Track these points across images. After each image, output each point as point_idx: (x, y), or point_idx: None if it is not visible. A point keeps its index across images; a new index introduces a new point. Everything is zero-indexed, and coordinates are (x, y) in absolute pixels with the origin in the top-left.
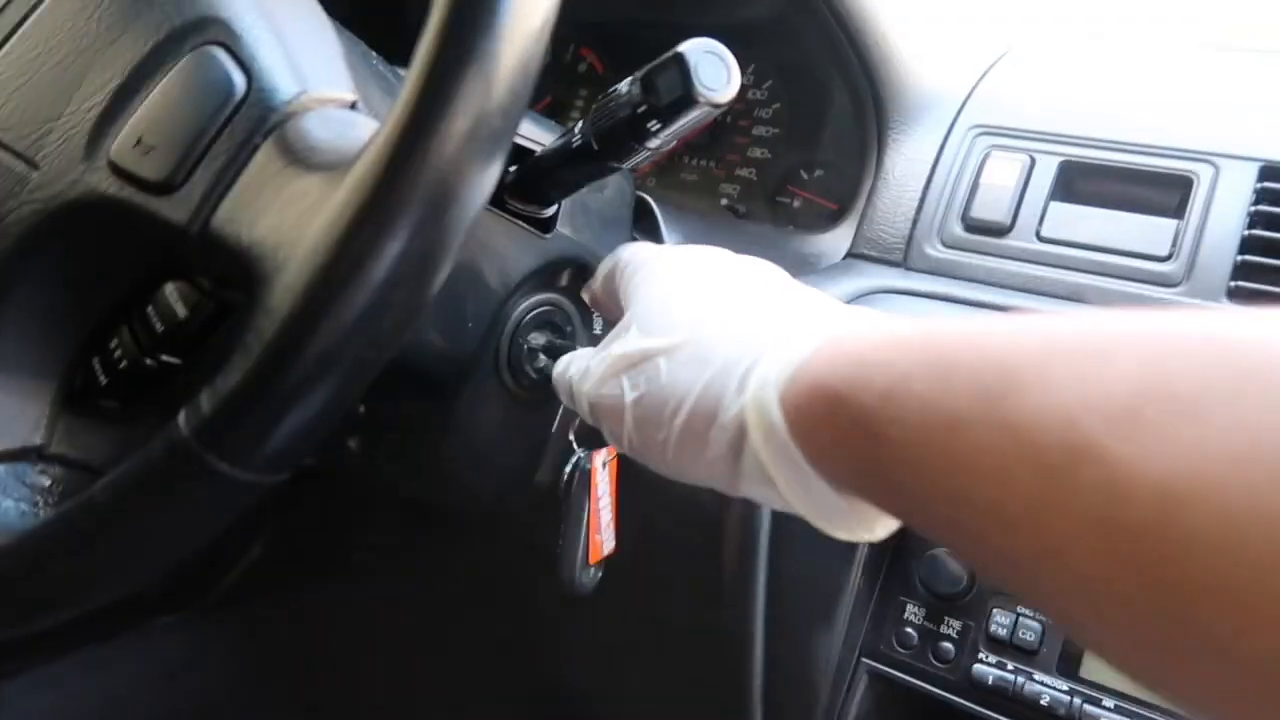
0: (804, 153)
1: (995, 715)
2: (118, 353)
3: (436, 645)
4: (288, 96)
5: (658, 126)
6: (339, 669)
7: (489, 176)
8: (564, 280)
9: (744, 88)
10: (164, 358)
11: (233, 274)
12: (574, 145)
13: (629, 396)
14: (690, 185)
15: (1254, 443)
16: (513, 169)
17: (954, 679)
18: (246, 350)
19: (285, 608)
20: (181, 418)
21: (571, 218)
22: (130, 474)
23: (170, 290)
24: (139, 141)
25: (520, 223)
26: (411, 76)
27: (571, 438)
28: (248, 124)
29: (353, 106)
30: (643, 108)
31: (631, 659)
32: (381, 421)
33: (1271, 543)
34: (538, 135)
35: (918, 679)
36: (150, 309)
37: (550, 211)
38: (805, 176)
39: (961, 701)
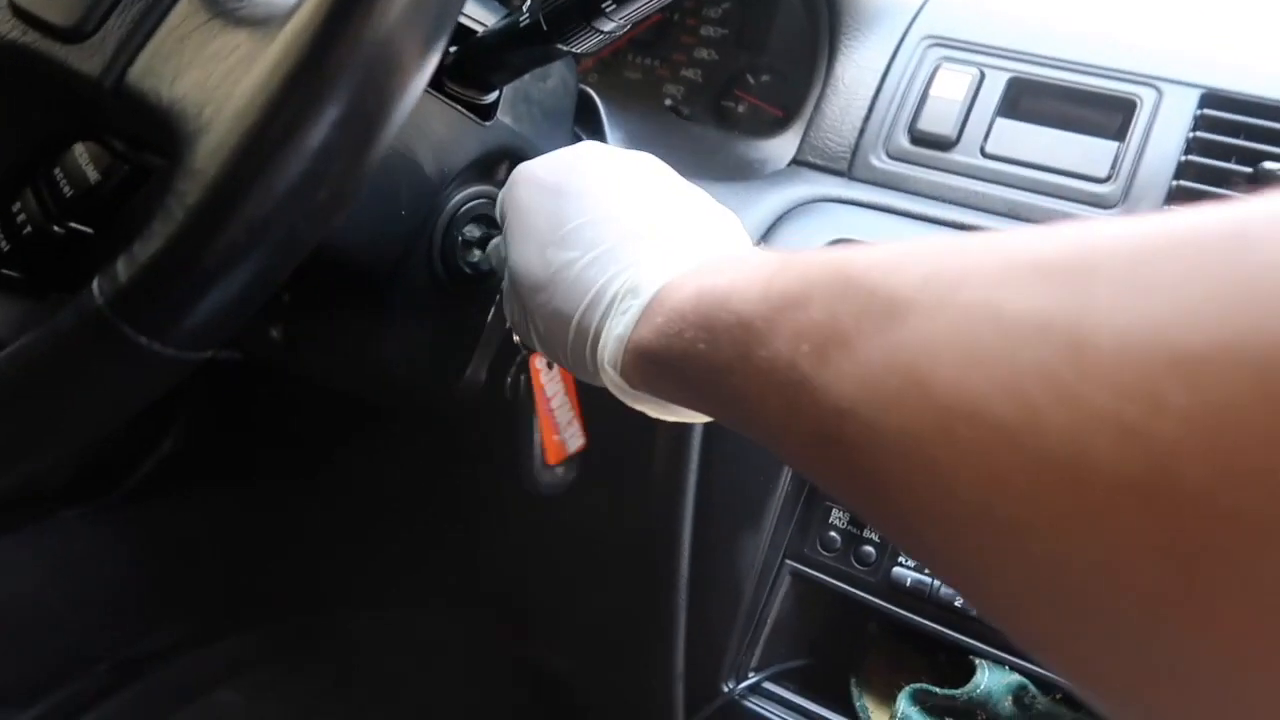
0: (752, 56)
1: (912, 615)
2: (21, 218)
3: (353, 543)
4: None
5: (611, 6)
6: (250, 564)
7: (435, 43)
8: (502, 172)
9: None
10: (73, 225)
11: (151, 134)
12: (521, 25)
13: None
14: (633, 84)
15: (887, 365)
16: (453, 49)
17: (874, 581)
18: (168, 215)
19: (197, 503)
20: (95, 286)
21: (512, 106)
22: (38, 346)
23: (80, 151)
24: None
25: (459, 108)
26: None
27: (516, 338)
28: None
29: None
30: None
31: (563, 555)
32: (307, 310)
33: (907, 433)
34: (481, 15)
35: (839, 580)
36: (58, 171)
37: (491, 98)
38: (752, 81)
39: (880, 602)
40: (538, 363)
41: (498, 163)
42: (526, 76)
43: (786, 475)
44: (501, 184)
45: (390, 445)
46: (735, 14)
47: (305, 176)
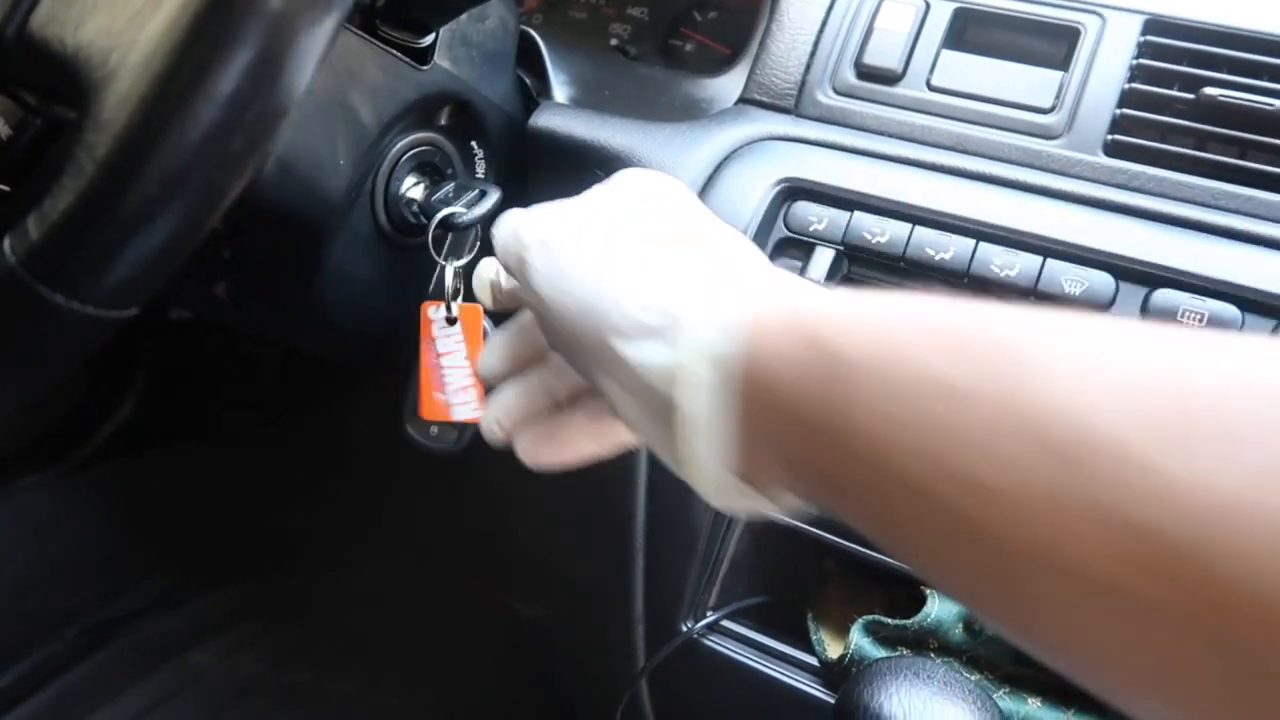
0: None
1: (864, 549)
2: None
3: (317, 499)
4: None
5: None
6: (216, 524)
7: None
8: (443, 118)
9: None
10: None
11: (59, 84)
12: None
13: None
14: (579, 24)
15: None
16: None
17: (826, 517)
18: (78, 168)
19: (159, 464)
20: (6, 245)
21: (450, 49)
22: None
23: None
24: None
25: (394, 52)
26: None
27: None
28: None
29: None
30: None
31: (523, 504)
32: (250, 266)
33: None
34: None
35: (793, 519)
36: None
37: (427, 41)
38: (699, 18)
39: (833, 538)
40: (430, 312)
41: (438, 108)
42: (464, 18)
43: None
44: (443, 129)
45: (350, 398)
46: None
47: (218, 124)
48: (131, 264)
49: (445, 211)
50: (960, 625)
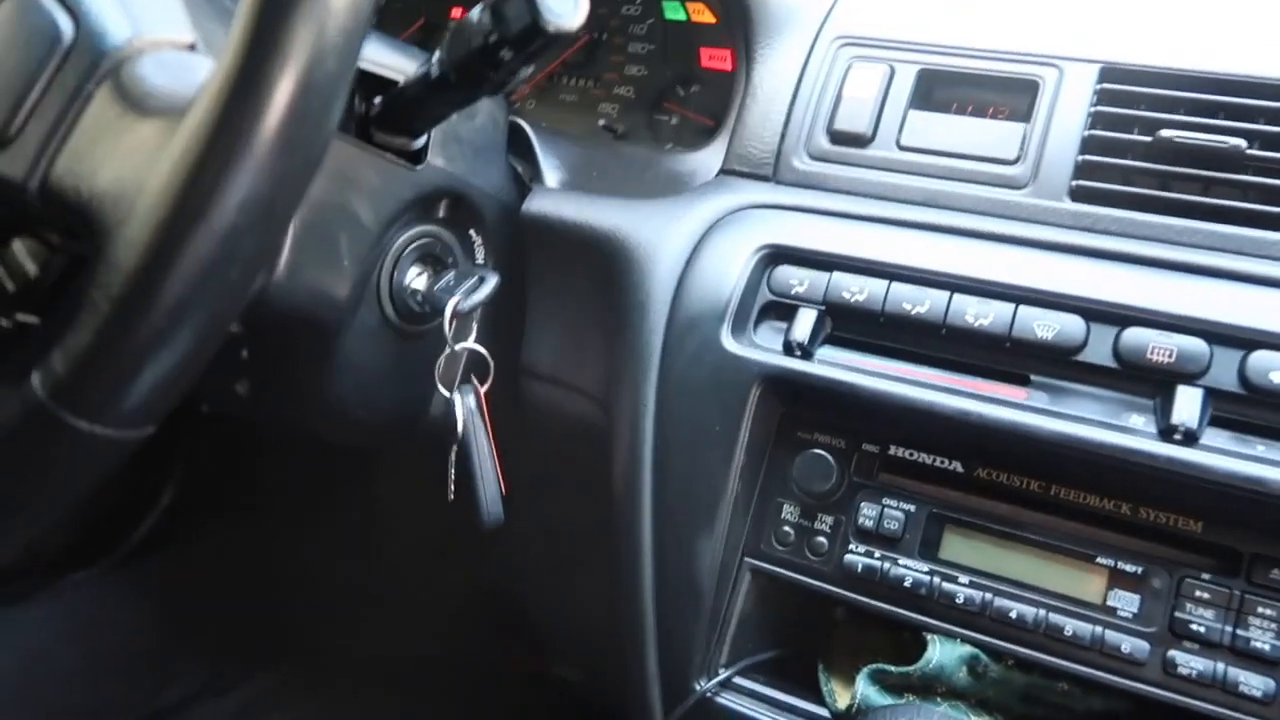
0: (680, 68)
1: (866, 599)
2: None
3: (355, 579)
4: (119, 41)
5: (510, 55)
6: (258, 607)
7: (327, 119)
8: (441, 211)
9: (617, 3)
10: (19, 317)
11: (77, 228)
12: (432, 77)
13: None
14: (570, 105)
15: None
16: (377, 101)
17: (828, 570)
18: (94, 307)
19: (202, 553)
20: (36, 378)
21: (443, 147)
22: None
23: (19, 248)
24: None
25: (389, 156)
26: (239, 17)
27: (437, 375)
28: (78, 71)
29: (191, 48)
30: (494, 36)
31: (541, 565)
32: (267, 364)
33: None
34: (401, 65)
35: (795, 572)
36: (0, 269)
37: (420, 143)
38: (682, 93)
39: (836, 590)
40: (472, 400)
41: (435, 202)
42: (454, 117)
43: (735, 476)
44: (442, 222)
45: (376, 474)
46: (659, 29)
47: (217, 259)
48: (146, 388)
49: (452, 301)
50: (964, 669)
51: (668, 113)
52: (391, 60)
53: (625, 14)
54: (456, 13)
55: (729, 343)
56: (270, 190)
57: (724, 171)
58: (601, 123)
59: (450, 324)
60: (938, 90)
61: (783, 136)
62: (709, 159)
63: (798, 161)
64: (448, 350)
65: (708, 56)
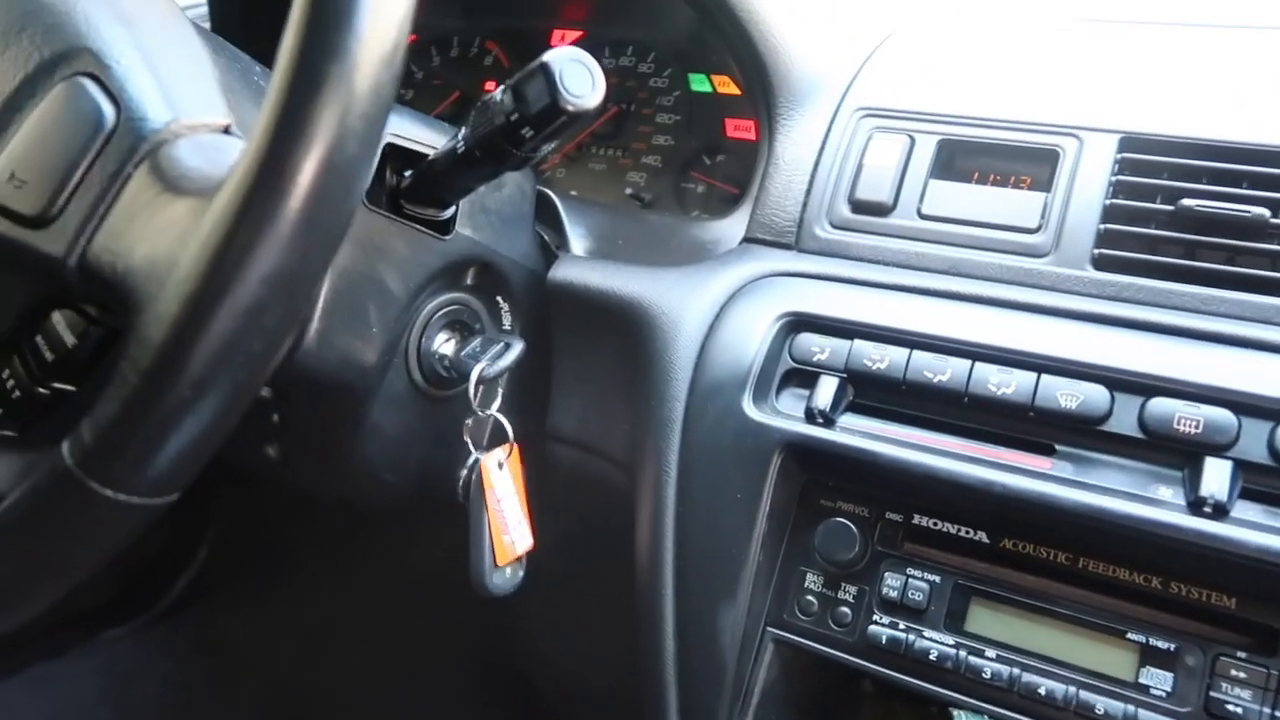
0: (706, 138)
1: (891, 672)
2: (10, 382)
3: (385, 638)
4: (158, 125)
5: (531, 133)
6: (289, 666)
7: (349, 199)
8: (469, 279)
9: (645, 76)
10: (57, 385)
11: (113, 303)
12: (459, 152)
13: None
14: (599, 174)
15: None
16: (408, 174)
17: (852, 641)
18: (123, 379)
19: (234, 611)
20: (65, 447)
21: (471, 217)
22: (19, 504)
23: (58, 319)
24: (12, 176)
25: (418, 227)
26: (267, 104)
27: (467, 439)
28: (119, 154)
29: (226, 130)
30: (515, 115)
31: (565, 630)
32: (296, 428)
33: None
34: (430, 139)
35: (819, 643)
36: (40, 338)
37: (448, 214)
38: (708, 162)
39: (859, 662)
40: (488, 461)
41: (463, 270)
42: (481, 188)
43: (757, 544)
44: (469, 289)
45: (406, 535)
46: (685, 101)
47: (240, 333)
48: (170, 458)
49: (478, 368)
50: None
51: (694, 181)
52: (422, 135)
53: (653, 86)
54: (490, 86)
55: (751, 410)
56: (293, 266)
57: (747, 239)
58: (629, 191)
59: (475, 390)
60: (958, 160)
61: (805, 205)
62: (733, 227)
63: (820, 230)
64: (473, 416)
65: (733, 127)
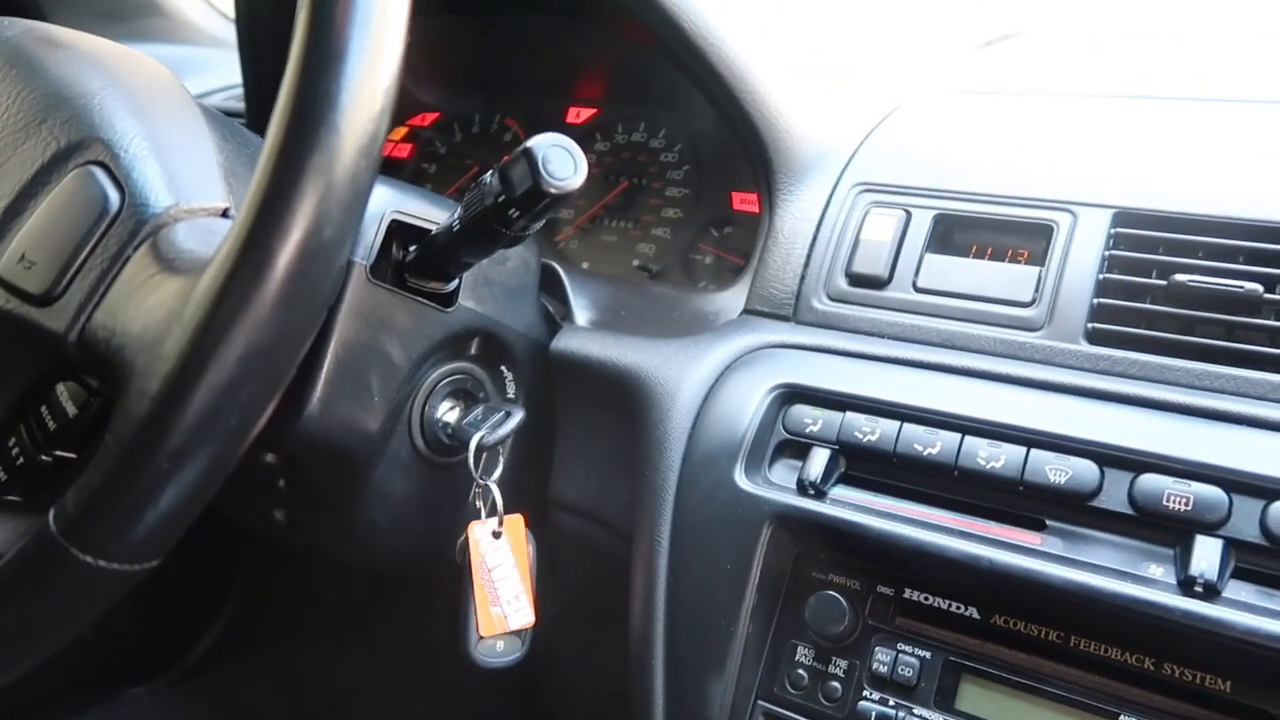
0: (713, 211)
1: None
2: (15, 450)
3: (406, 702)
4: (159, 209)
5: (517, 214)
6: None
7: (326, 280)
8: (473, 349)
9: (655, 151)
10: (58, 453)
11: (108, 376)
12: (454, 230)
13: None
14: (610, 246)
15: None
16: (412, 249)
17: (841, 717)
18: (106, 450)
19: (258, 671)
20: (51, 514)
21: (474, 290)
22: (8, 566)
23: (62, 390)
24: (23, 258)
25: (421, 300)
26: (250, 191)
27: (478, 505)
28: (121, 237)
29: (225, 214)
30: (502, 197)
31: (571, 701)
32: (301, 493)
33: None
34: (435, 215)
35: (809, 718)
36: (44, 408)
37: (451, 287)
38: (715, 234)
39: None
40: (476, 531)
41: (467, 341)
42: (485, 262)
43: (746, 615)
44: (473, 359)
45: (432, 602)
46: (695, 174)
47: (216, 408)
48: (149, 527)
49: (477, 436)
50: None
51: (702, 253)
52: (427, 211)
53: (663, 161)
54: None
55: (742, 480)
56: (270, 345)
57: (747, 311)
58: (636, 263)
59: (477, 458)
60: (954, 234)
61: (803, 278)
62: (733, 299)
63: (817, 302)
64: (479, 483)
65: (739, 200)
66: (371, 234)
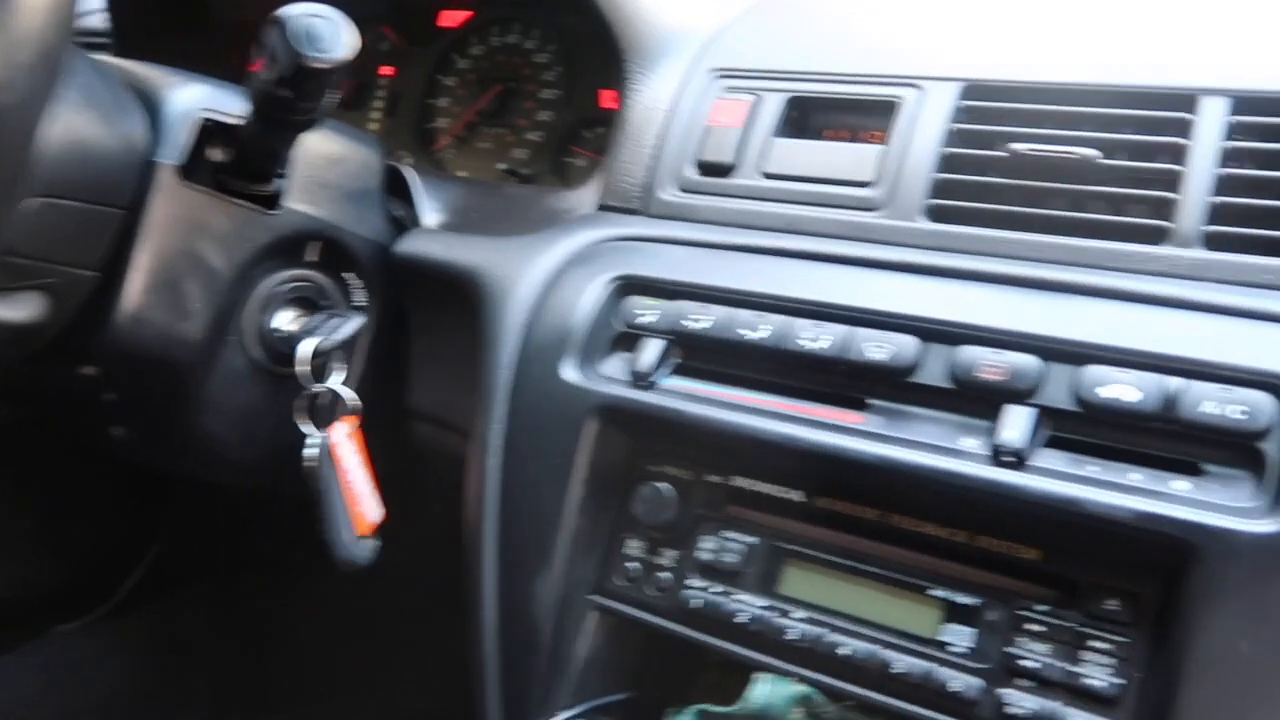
0: (584, 111)
1: (704, 636)
2: None
3: (338, 633)
4: None
5: (290, 93)
6: (243, 662)
7: (17, 145)
8: (311, 255)
9: (529, 53)
10: None
11: None
12: (249, 121)
13: None
14: (486, 153)
15: None
16: (222, 150)
17: (669, 605)
18: None
19: (188, 606)
20: None
21: (306, 192)
22: None
23: None
24: None
25: (241, 202)
26: None
27: (300, 413)
28: None
29: None
30: (271, 78)
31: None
32: (133, 407)
33: None
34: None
35: (638, 609)
36: None
37: (273, 188)
38: (588, 135)
39: (674, 626)
40: (336, 434)
41: (300, 246)
42: (320, 163)
43: (574, 510)
44: (312, 265)
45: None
46: (567, 75)
47: None
48: None
49: (309, 342)
50: (798, 709)
51: (574, 155)
52: (240, 109)
53: (536, 62)
54: (385, 70)
55: (569, 374)
56: None
57: (602, 207)
58: (501, 167)
59: (309, 364)
60: (810, 118)
61: (654, 170)
62: (588, 195)
63: (666, 194)
64: (307, 390)
65: (606, 98)
66: (180, 133)
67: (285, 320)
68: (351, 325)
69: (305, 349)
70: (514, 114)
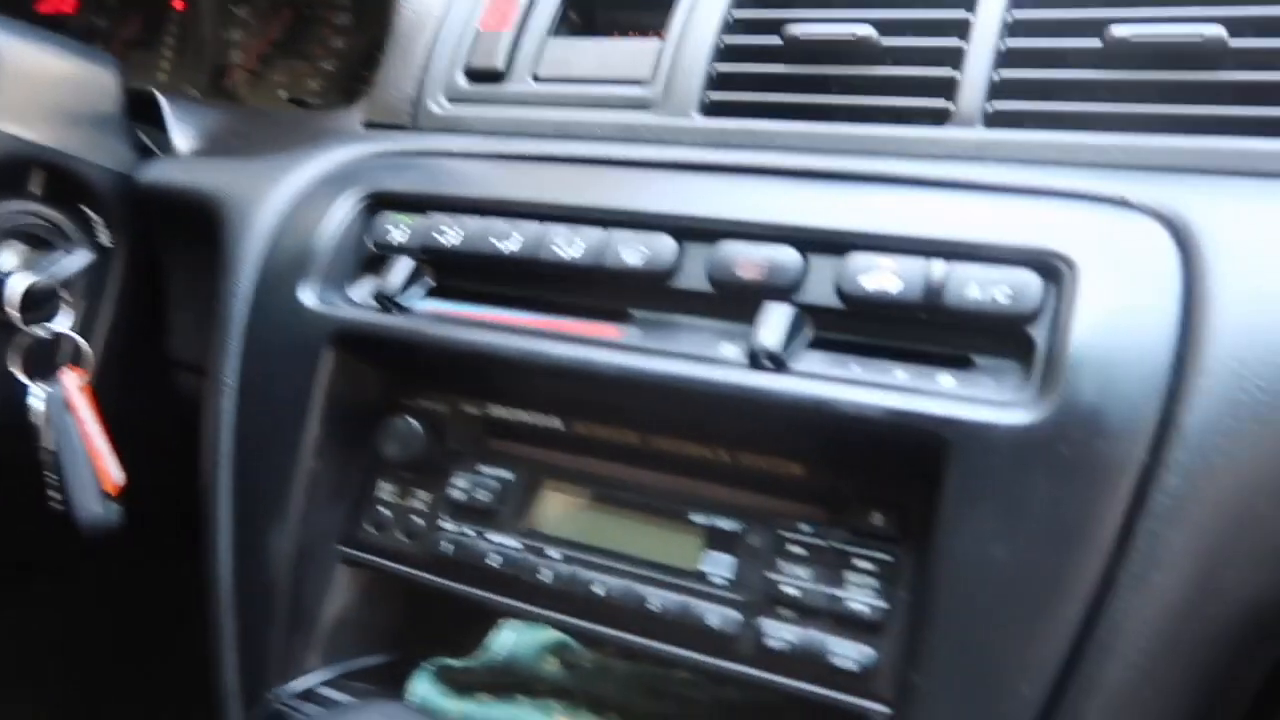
0: (374, 37)
1: (456, 585)
2: None
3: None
4: None
5: None
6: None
7: None
8: (35, 185)
9: None
10: None
11: None
12: None
13: None
14: (282, 85)
15: None
16: None
17: (419, 553)
18: None
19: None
20: None
21: (19, 113)
22: None
23: None
24: None
25: None
26: None
27: (13, 359)
28: None
29: None
30: None
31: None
32: None
33: None
34: None
35: (387, 558)
36: None
37: None
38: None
39: (426, 576)
40: (69, 381)
41: (19, 175)
42: (37, 82)
43: (310, 451)
44: (37, 198)
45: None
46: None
47: None
48: None
49: (20, 278)
50: (552, 658)
51: (366, 82)
52: None
53: None
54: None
55: (307, 298)
56: None
57: (369, 124)
58: (282, 94)
59: (18, 304)
60: (579, 13)
61: (422, 81)
62: (357, 114)
63: (435, 106)
64: (20, 334)
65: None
66: None
67: (6, 259)
68: (74, 261)
69: (15, 286)
70: (309, 42)
